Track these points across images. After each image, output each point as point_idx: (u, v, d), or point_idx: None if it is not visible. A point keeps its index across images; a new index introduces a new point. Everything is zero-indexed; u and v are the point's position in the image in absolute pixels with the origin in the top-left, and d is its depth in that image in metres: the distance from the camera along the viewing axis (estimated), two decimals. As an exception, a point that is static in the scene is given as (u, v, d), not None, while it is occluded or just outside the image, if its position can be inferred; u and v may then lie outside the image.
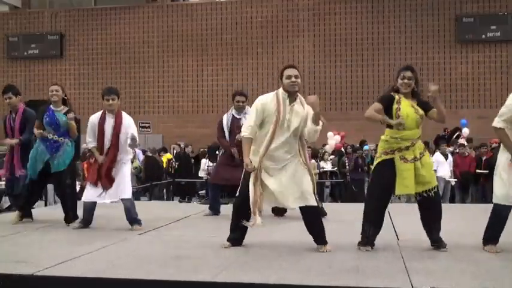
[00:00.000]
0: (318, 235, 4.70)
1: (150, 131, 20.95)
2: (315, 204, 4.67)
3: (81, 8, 22.67)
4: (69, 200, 6.30)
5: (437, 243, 4.71)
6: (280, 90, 4.68)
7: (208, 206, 7.26)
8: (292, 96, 4.65)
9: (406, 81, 4.63)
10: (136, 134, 5.81)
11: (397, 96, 4.66)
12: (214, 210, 7.03)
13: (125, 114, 6.00)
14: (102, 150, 5.92)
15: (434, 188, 4.70)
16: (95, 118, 5.98)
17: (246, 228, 4.73)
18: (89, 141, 6.03)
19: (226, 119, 6.91)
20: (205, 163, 14.27)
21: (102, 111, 6.01)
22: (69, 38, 22.14)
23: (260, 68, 20.57)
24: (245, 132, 4.66)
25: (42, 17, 22.45)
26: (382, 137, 4.74)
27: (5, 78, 21.77)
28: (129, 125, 5.88)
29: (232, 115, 6.86)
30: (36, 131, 6.23)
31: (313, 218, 4.71)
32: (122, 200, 5.92)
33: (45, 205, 9.23)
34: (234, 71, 20.79)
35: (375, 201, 4.75)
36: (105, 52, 21.78)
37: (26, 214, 6.48)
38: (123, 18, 21.76)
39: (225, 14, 21.09)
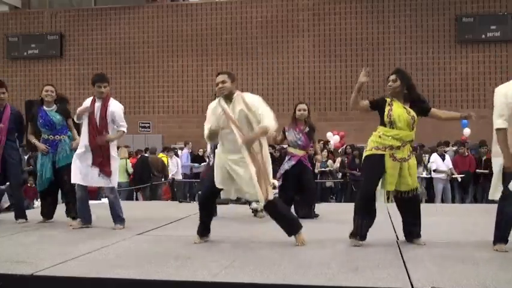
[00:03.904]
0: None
1: (150, 131, 21.02)
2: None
3: (81, 8, 22.68)
4: (67, 196, 6.34)
5: (416, 236, 4.88)
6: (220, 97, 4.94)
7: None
8: (228, 98, 4.88)
9: (389, 83, 4.83)
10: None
11: (389, 99, 4.84)
12: None
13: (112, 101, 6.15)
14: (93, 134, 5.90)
15: (415, 190, 4.88)
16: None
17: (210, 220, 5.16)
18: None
19: None
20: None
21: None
22: (69, 38, 22.15)
23: (260, 68, 20.56)
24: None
25: (42, 17, 22.46)
26: (375, 133, 4.89)
27: (4, 78, 21.65)
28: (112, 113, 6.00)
29: None
30: (40, 146, 6.34)
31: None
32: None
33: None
34: (234, 71, 20.57)
35: (363, 193, 4.87)
36: (105, 52, 21.79)
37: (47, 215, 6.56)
38: (123, 18, 21.76)
39: (225, 14, 21.09)
